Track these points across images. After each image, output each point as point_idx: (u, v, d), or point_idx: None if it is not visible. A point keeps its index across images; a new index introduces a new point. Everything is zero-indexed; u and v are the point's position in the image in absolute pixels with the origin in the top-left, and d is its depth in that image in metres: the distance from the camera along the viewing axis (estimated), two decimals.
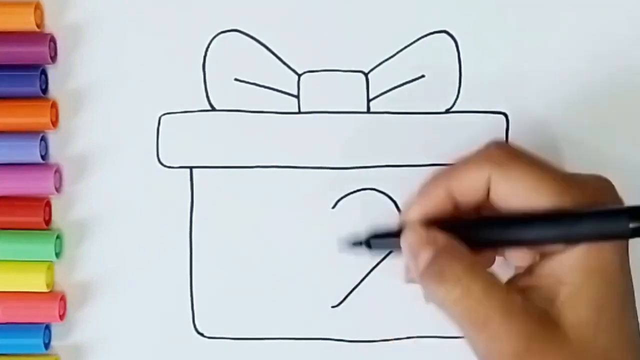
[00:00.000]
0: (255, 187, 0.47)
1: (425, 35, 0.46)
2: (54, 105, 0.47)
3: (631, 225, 0.37)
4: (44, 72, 0.46)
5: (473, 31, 0.46)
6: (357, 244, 0.43)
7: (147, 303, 0.47)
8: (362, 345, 0.47)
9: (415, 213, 0.40)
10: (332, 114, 0.47)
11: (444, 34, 0.46)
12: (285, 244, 0.47)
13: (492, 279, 0.38)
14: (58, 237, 0.47)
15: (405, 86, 0.46)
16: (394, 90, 0.46)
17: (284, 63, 0.47)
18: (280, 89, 0.47)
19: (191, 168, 0.47)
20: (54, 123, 0.47)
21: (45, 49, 0.46)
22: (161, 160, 0.47)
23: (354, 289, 0.47)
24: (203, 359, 0.47)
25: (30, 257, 0.47)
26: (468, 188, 0.40)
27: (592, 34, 0.46)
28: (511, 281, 0.41)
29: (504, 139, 0.46)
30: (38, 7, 0.46)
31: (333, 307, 0.47)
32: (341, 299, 0.47)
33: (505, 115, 0.46)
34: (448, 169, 0.41)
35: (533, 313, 0.38)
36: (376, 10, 0.46)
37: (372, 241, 0.42)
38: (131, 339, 0.48)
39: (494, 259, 0.42)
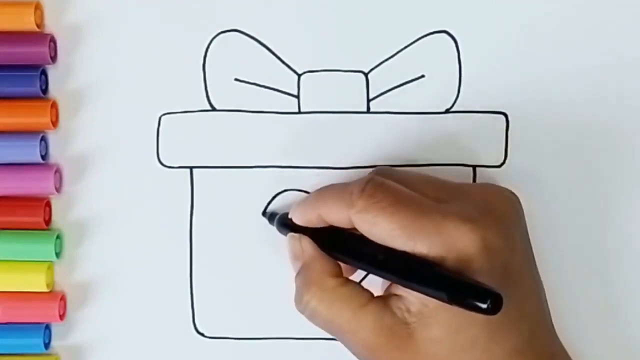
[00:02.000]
0: (255, 187, 0.47)
1: (425, 35, 0.46)
2: (54, 105, 0.47)
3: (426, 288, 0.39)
4: (44, 72, 0.46)
5: (473, 31, 0.46)
6: (267, 214, 0.47)
7: (147, 303, 0.47)
8: None
9: (299, 219, 0.44)
10: (332, 114, 0.47)
11: (444, 34, 0.46)
12: (285, 243, 0.47)
13: (339, 299, 0.41)
14: (58, 237, 0.47)
15: (405, 86, 0.46)
16: (394, 90, 0.46)
17: (284, 63, 0.47)
18: (280, 89, 0.47)
19: (191, 168, 0.47)
20: (54, 123, 0.47)
21: (45, 49, 0.46)
22: (161, 160, 0.47)
23: None
24: (203, 359, 0.47)
25: (30, 257, 0.47)
26: (336, 222, 0.42)
27: (592, 34, 0.46)
28: (389, 287, 0.42)
29: (504, 138, 0.46)
30: (38, 7, 0.46)
31: None
32: None
33: (505, 115, 0.46)
34: (322, 197, 0.43)
35: (386, 326, 0.40)
36: (376, 10, 0.46)
37: (275, 220, 0.46)
38: (131, 339, 0.48)
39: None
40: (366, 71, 0.46)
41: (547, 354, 0.41)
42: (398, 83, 0.46)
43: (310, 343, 0.47)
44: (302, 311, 0.43)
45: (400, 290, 0.41)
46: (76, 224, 0.47)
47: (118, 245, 0.47)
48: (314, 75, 0.46)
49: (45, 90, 0.47)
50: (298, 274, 0.43)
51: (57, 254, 0.47)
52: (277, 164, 0.47)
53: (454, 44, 0.46)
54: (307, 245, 0.43)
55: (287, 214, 0.45)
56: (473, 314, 0.36)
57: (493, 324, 0.39)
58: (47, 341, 0.47)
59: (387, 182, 0.41)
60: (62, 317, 0.47)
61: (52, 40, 0.46)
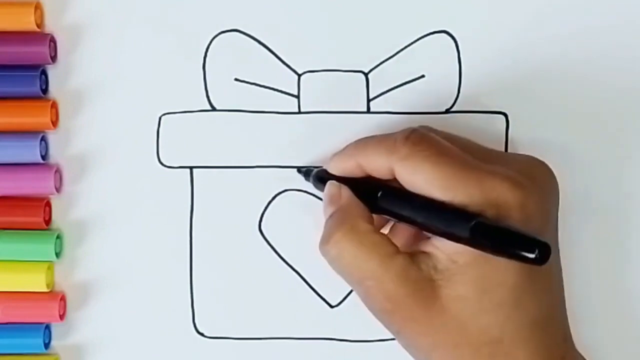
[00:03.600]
0: (255, 187, 0.47)
1: (425, 35, 0.46)
2: (54, 105, 0.47)
3: (466, 234, 0.38)
4: (44, 72, 0.46)
5: (473, 31, 0.46)
6: (302, 172, 0.46)
7: (147, 303, 0.47)
8: (362, 345, 0.47)
9: (335, 168, 0.44)
10: (332, 114, 0.47)
11: (444, 34, 0.46)
12: (285, 243, 0.47)
13: (370, 244, 0.41)
14: (58, 237, 0.47)
15: (405, 86, 0.46)
16: (394, 90, 0.46)
17: (284, 63, 0.47)
18: (280, 89, 0.47)
19: (191, 168, 0.47)
20: (54, 123, 0.47)
21: (45, 49, 0.46)
22: (161, 160, 0.47)
23: None
24: (203, 359, 0.47)
25: (30, 257, 0.47)
26: (375, 170, 0.42)
27: (592, 34, 0.46)
28: (414, 243, 0.42)
29: (504, 138, 0.46)
30: (38, 7, 0.46)
31: (333, 307, 0.47)
32: (341, 299, 0.47)
33: (505, 115, 0.46)
34: (361, 146, 0.43)
35: (412, 279, 0.40)
36: (376, 10, 0.46)
37: (310, 176, 0.46)
38: (131, 339, 0.48)
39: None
40: (366, 71, 0.46)
41: (560, 334, 0.41)
42: (398, 83, 0.46)
43: (310, 343, 0.47)
44: (327, 252, 0.42)
45: (428, 246, 0.40)
46: (76, 224, 0.47)
47: (118, 245, 0.47)
48: (314, 75, 0.46)
49: (45, 90, 0.47)
50: (331, 216, 0.43)
51: (57, 254, 0.47)
52: (277, 164, 0.47)
53: (454, 44, 0.46)
54: (345, 191, 0.43)
55: (323, 169, 0.45)
56: (503, 274, 0.37)
57: (520, 289, 0.39)
58: (47, 341, 0.47)
59: (430, 134, 0.41)
60: (62, 317, 0.47)
61: (52, 40, 0.46)
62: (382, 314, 0.41)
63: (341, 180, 0.43)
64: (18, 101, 0.46)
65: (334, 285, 0.47)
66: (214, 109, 0.47)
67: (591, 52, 0.46)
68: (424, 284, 0.40)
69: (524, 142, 0.46)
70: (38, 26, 0.46)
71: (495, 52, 0.46)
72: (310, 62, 0.46)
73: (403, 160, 0.40)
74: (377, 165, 0.42)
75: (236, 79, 0.47)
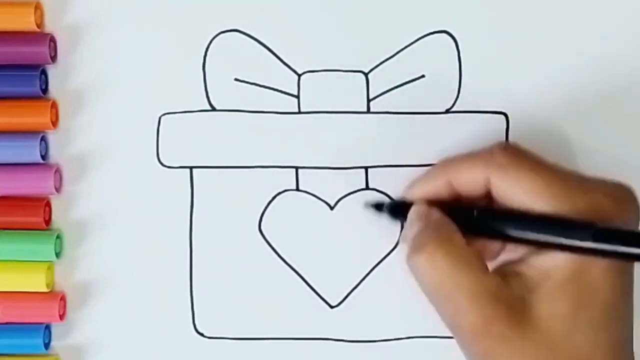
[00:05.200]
0: (255, 187, 0.47)
1: (425, 35, 0.46)
2: (54, 105, 0.47)
3: (590, 245, 0.38)
4: (44, 72, 0.46)
5: (473, 31, 0.46)
6: (378, 206, 0.45)
7: (147, 303, 0.47)
8: (362, 345, 0.47)
9: (419, 192, 0.43)
10: (332, 114, 0.47)
11: (444, 34, 0.46)
12: (285, 243, 0.47)
13: (466, 258, 0.39)
14: (58, 237, 0.47)
15: (405, 86, 0.46)
16: (394, 90, 0.46)
17: (284, 63, 0.47)
18: (280, 89, 0.47)
19: (191, 168, 0.47)
20: (54, 123, 0.47)
21: (45, 49, 0.46)
22: (161, 160, 0.47)
23: (354, 289, 0.47)
24: (203, 359, 0.47)
25: (30, 257, 0.47)
26: (467, 185, 0.41)
27: (592, 34, 0.46)
28: (501, 265, 0.41)
29: (504, 138, 0.46)
30: (38, 7, 0.46)
31: (333, 307, 0.47)
32: (341, 299, 0.47)
33: (505, 115, 0.46)
34: (451, 162, 0.42)
35: (504, 298, 0.39)
36: (376, 10, 0.46)
37: (388, 208, 0.45)
38: (131, 339, 0.48)
39: (496, 250, 0.43)
40: (366, 71, 0.46)
41: (632, 358, 0.41)
42: (398, 83, 0.46)
43: (310, 343, 0.47)
44: (418, 262, 0.40)
45: (517, 267, 0.40)
46: (76, 224, 0.47)
47: (118, 245, 0.47)
48: (314, 75, 0.46)
49: (45, 90, 0.47)
50: (420, 230, 0.41)
51: (57, 254, 0.47)
52: (277, 164, 0.47)
53: (454, 44, 0.46)
54: (435, 210, 0.41)
55: (398, 199, 0.44)
56: (599, 291, 0.37)
57: (611, 307, 0.39)
58: (47, 341, 0.47)
59: (527, 149, 0.41)
60: (62, 317, 0.47)
61: (52, 40, 0.46)
62: (470, 334, 0.39)
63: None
64: (18, 101, 0.46)
65: (334, 285, 0.47)
66: (214, 109, 0.47)
67: (591, 52, 0.46)
68: (517, 303, 0.39)
69: (524, 142, 0.46)
70: (38, 26, 0.46)
71: (495, 52, 0.46)
72: (310, 62, 0.46)
73: (503, 170, 0.40)
74: (472, 179, 0.41)
75: (236, 79, 0.47)
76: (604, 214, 0.39)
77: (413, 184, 0.44)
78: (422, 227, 0.41)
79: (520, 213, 0.40)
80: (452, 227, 0.41)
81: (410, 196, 0.44)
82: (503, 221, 0.40)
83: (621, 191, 0.40)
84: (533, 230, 0.39)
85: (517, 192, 0.39)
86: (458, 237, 0.40)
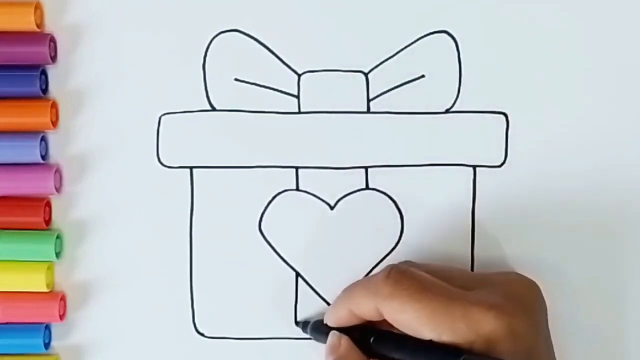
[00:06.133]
0: (255, 187, 0.47)
1: (425, 35, 0.46)
2: (54, 105, 0.47)
3: None
4: (44, 72, 0.46)
5: (473, 31, 0.46)
6: (300, 324, 0.47)
7: (147, 303, 0.47)
8: None
9: (332, 320, 0.45)
10: (332, 114, 0.47)
11: (444, 34, 0.46)
12: (285, 243, 0.47)
13: None
14: (58, 237, 0.47)
15: (405, 86, 0.46)
16: (394, 90, 0.46)
17: (284, 63, 0.47)
18: (280, 89, 0.47)
19: (191, 168, 0.47)
20: (54, 123, 0.47)
21: (45, 49, 0.46)
22: (161, 160, 0.47)
23: None
24: (203, 359, 0.47)
25: (30, 257, 0.47)
26: (366, 314, 0.43)
27: (592, 34, 0.46)
28: None
29: (504, 138, 0.46)
30: (38, 7, 0.46)
31: None
32: None
33: (505, 115, 0.46)
34: (348, 293, 0.44)
35: None
36: (376, 10, 0.46)
37: (308, 328, 0.47)
38: (131, 339, 0.48)
39: None
40: (366, 71, 0.46)
41: None
42: (398, 83, 0.46)
43: (310, 343, 0.47)
44: None
45: None
46: (76, 224, 0.47)
47: (118, 245, 0.47)
48: (314, 75, 0.46)
49: (45, 90, 0.47)
50: None
51: (57, 254, 0.47)
52: (277, 164, 0.47)
53: (454, 44, 0.46)
54: (345, 340, 0.44)
55: (320, 320, 0.46)
56: None
57: None
58: (47, 341, 0.47)
59: (410, 269, 0.42)
60: (62, 317, 0.47)
61: (52, 40, 0.46)
62: None
63: (339, 330, 0.44)
64: (18, 101, 0.46)
65: (334, 285, 0.47)
66: (214, 109, 0.47)
67: (591, 52, 0.46)
68: None
69: (524, 142, 0.46)
70: (38, 26, 0.46)
71: (495, 52, 0.46)
72: (310, 62, 0.46)
73: (387, 299, 0.41)
74: (366, 308, 0.43)
75: (236, 79, 0.47)
76: (487, 334, 0.40)
77: (327, 312, 0.45)
78: None
79: (409, 340, 0.41)
80: (357, 357, 0.43)
81: (327, 322, 0.45)
82: (394, 348, 0.42)
83: (509, 296, 0.42)
84: (411, 355, 0.41)
85: (404, 321, 0.41)
86: None
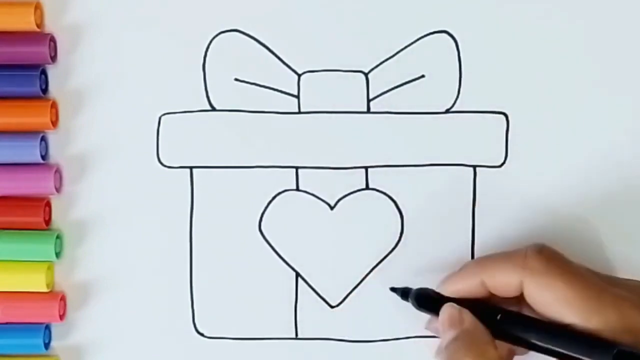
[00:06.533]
0: (255, 187, 0.47)
1: (425, 35, 0.46)
2: (54, 105, 0.47)
3: None
4: (44, 72, 0.46)
5: (473, 31, 0.46)
6: (405, 295, 0.45)
7: (147, 303, 0.47)
8: (362, 345, 0.47)
9: (452, 289, 0.43)
10: (332, 114, 0.47)
11: (444, 34, 0.46)
12: (285, 243, 0.47)
13: None
14: (58, 237, 0.47)
15: (405, 86, 0.46)
16: (394, 90, 0.46)
17: (284, 63, 0.47)
18: (280, 89, 0.47)
19: (191, 168, 0.47)
20: (54, 123, 0.47)
21: (45, 49, 0.46)
22: (161, 160, 0.47)
23: (354, 289, 0.47)
24: (203, 359, 0.47)
25: (30, 257, 0.47)
26: (501, 286, 0.41)
27: (592, 34, 0.46)
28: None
29: (504, 138, 0.46)
30: (38, 7, 0.46)
31: (333, 307, 0.47)
32: (341, 299, 0.47)
33: (505, 115, 0.46)
34: (485, 262, 0.43)
35: None
36: (376, 10, 0.46)
37: (417, 299, 0.44)
38: (131, 339, 0.48)
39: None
40: (366, 71, 0.46)
41: None
42: (398, 83, 0.46)
43: (310, 343, 0.47)
44: None
45: None
46: (76, 224, 0.47)
47: (118, 245, 0.47)
48: (314, 75, 0.46)
49: (45, 90, 0.47)
50: (455, 339, 0.41)
51: (57, 254, 0.47)
52: (277, 164, 0.47)
53: (454, 44, 0.46)
54: (467, 315, 0.42)
55: (427, 288, 0.44)
56: None
57: None
58: (47, 341, 0.47)
59: (560, 253, 0.41)
60: (62, 317, 0.47)
61: (52, 40, 0.46)
62: None
63: (456, 302, 0.43)
64: (18, 101, 0.46)
65: (334, 285, 0.47)
66: (214, 109, 0.47)
67: (591, 52, 0.46)
68: None
69: (524, 142, 0.46)
70: (38, 26, 0.46)
71: (495, 52, 0.46)
72: (310, 62, 0.46)
73: (536, 275, 0.40)
74: (506, 281, 0.41)
75: (236, 79, 0.47)
76: (635, 328, 0.39)
77: (447, 280, 0.44)
78: (457, 336, 0.41)
79: (544, 323, 0.40)
80: (485, 338, 0.41)
81: (443, 292, 0.43)
82: (525, 329, 0.41)
83: None
84: (554, 343, 0.39)
85: (549, 300, 0.40)
86: (492, 350, 0.40)
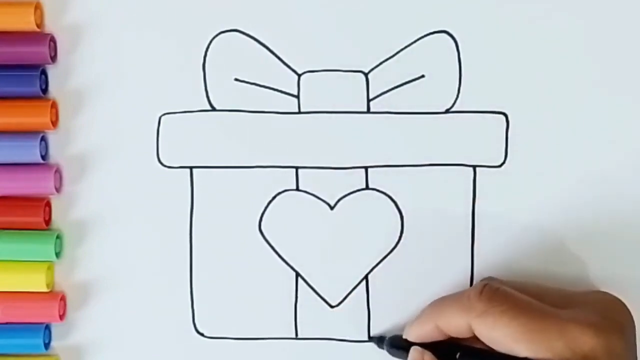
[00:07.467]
0: (255, 187, 0.47)
1: (425, 35, 0.46)
2: (54, 105, 0.47)
3: None
4: (44, 72, 0.46)
5: (473, 31, 0.46)
6: (374, 339, 0.47)
7: (147, 303, 0.47)
8: (362, 345, 0.47)
9: (415, 336, 0.44)
10: (332, 114, 0.47)
11: (444, 34, 0.46)
12: (285, 243, 0.47)
13: None
14: (58, 237, 0.47)
15: (405, 86, 0.46)
16: (394, 90, 0.46)
17: (284, 63, 0.47)
18: (280, 89, 0.47)
19: (191, 168, 0.47)
20: (54, 123, 0.47)
21: (45, 49, 0.46)
22: (161, 160, 0.47)
23: (354, 289, 0.47)
24: (203, 359, 0.47)
25: (30, 257, 0.47)
26: (454, 330, 0.43)
27: (592, 34, 0.46)
28: None
29: (504, 138, 0.46)
30: (38, 7, 0.46)
31: (333, 307, 0.47)
32: (341, 299, 0.47)
33: (505, 115, 0.46)
34: (438, 307, 0.44)
35: None
36: (376, 10, 0.46)
37: (390, 346, 0.46)
38: (131, 339, 0.48)
39: None
40: (366, 71, 0.46)
41: None
42: (398, 83, 0.46)
43: (310, 343, 0.47)
44: None
45: None
46: (76, 224, 0.47)
47: (118, 245, 0.47)
48: (314, 75, 0.46)
49: (45, 90, 0.47)
50: None
51: (57, 254, 0.47)
52: (277, 164, 0.47)
53: (454, 44, 0.46)
54: (428, 357, 0.43)
55: (398, 335, 0.45)
56: None
57: None
58: (47, 341, 0.47)
59: (503, 287, 0.42)
60: (62, 317, 0.47)
61: (52, 40, 0.46)
62: None
63: (421, 345, 0.44)
64: (18, 101, 0.46)
65: (334, 285, 0.47)
66: (214, 109, 0.47)
67: (591, 52, 0.46)
68: None
69: (524, 142, 0.46)
70: (38, 26, 0.46)
71: (495, 52, 0.46)
72: (310, 62, 0.46)
73: (480, 317, 0.41)
74: (456, 325, 0.42)
75: (236, 79, 0.47)
76: (586, 352, 0.40)
77: (409, 327, 0.45)
78: None
79: (502, 357, 0.41)
80: None
81: (408, 338, 0.45)
82: None
83: (604, 314, 0.41)
84: None
85: (498, 337, 0.41)
86: None
